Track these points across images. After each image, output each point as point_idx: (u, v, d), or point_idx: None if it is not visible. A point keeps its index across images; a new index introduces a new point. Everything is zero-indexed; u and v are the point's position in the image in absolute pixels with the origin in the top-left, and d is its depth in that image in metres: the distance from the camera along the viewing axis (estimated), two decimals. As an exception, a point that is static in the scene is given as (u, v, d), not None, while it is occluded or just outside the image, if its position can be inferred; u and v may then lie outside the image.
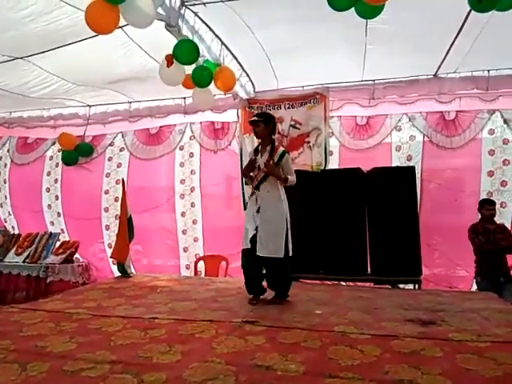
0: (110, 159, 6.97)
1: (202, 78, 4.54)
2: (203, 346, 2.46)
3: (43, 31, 4.20)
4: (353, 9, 3.33)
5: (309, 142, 5.80)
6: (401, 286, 5.02)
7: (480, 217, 4.89)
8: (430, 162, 5.60)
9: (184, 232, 6.54)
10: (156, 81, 4.50)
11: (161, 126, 6.67)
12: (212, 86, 4.74)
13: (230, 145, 6.35)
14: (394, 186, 5.16)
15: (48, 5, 3.83)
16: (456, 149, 5.46)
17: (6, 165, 7.54)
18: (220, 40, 4.81)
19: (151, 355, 2.29)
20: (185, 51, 4.10)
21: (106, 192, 6.92)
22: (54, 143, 7.18)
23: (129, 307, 3.46)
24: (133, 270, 5.57)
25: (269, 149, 3.80)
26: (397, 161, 5.69)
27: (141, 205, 6.37)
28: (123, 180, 5.57)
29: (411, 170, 5.27)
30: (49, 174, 7.28)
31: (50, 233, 6.66)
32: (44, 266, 5.90)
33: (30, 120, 7.09)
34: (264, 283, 3.89)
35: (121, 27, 3.97)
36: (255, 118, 3.87)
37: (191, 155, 6.54)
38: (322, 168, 5.68)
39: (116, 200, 6.66)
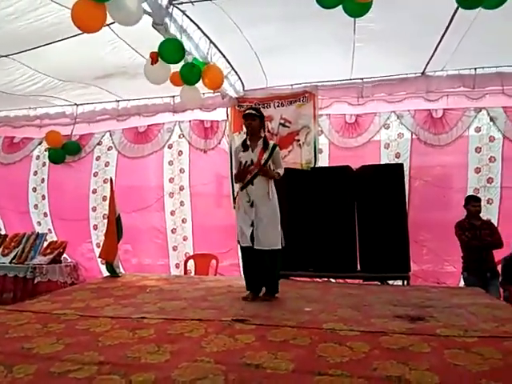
0: (97, 158, 6.91)
1: (191, 75, 4.50)
2: (192, 345, 2.45)
3: (28, 29, 4.14)
4: (341, 7, 3.33)
5: (298, 141, 5.81)
6: (390, 282, 5.06)
7: (466, 213, 4.94)
8: (418, 160, 5.65)
9: (173, 231, 6.51)
10: (144, 78, 4.46)
11: (149, 125, 6.63)
12: (200, 85, 4.72)
13: (219, 143, 6.34)
14: (383, 184, 5.21)
15: (33, 2, 3.78)
16: (443, 146, 5.52)
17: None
18: (208, 38, 4.78)
19: (140, 355, 2.27)
20: (170, 50, 4.07)
21: (94, 191, 6.87)
22: (40, 143, 7.10)
23: (117, 307, 3.43)
24: (122, 270, 5.53)
25: (261, 143, 3.83)
26: (385, 158, 5.73)
27: (129, 204, 6.33)
28: (111, 179, 5.52)
29: (400, 167, 5.32)
30: (35, 173, 7.20)
31: (37, 233, 6.58)
32: (31, 267, 5.83)
33: (17, 119, 7.00)
34: None
35: (108, 25, 3.92)
36: (253, 111, 3.88)
37: (180, 153, 6.52)
38: (312, 166, 5.70)
39: (104, 199, 6.62)
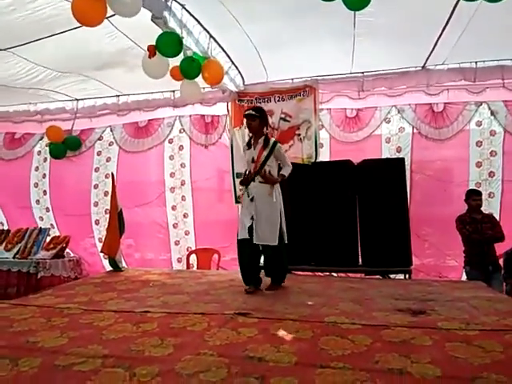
0: (98, 153, 6.92)
1: (191, 69, 4.48)
2: (195, 338, 2.47)
3: (26, 21, 4.12)
4: (340, 0, 3.32)
5: (299, 135, 5.80)
6: (391, 276, 5.07)
7: (467, 207, 4.94)
8: (420, 154, 5.65)
9: (175, 226, 6.53)
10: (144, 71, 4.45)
11: (149, 120, 6.63)
12: (201, 80, 4.71)
13: (220, 138, 6.34)
14: (384, 178, 5.20)
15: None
16: (444, 140, 5.51)
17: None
18: (208, 33, 4.76)
19: (143, 349, 2.29)
20: (168, 43, 4.05)
21: (96, 186, 6.88)
22: (41, 138, 7.11)
23: (121, 301, 3.45)
24: (124, 264, 5.57)
25: (261, 141, 3.94)
26: (387, 153, 5.73)
27: (131, 199, 6.34)
28: (112, 174, 5.53)
29: (401, 161, 5.32)
30: (37, 169, 7.21)
31: (40, 228, 6.61)
32: (34, 262, 5.86)
33: (17, 115, 6.98)
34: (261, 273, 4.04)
35: (107, 18, 3.89)
36: (253, 112, 3.95)
37: (181, 148, 6.52)
38: (313, 160, 5.70)
39: (106, 194, 6.64)
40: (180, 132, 6.55)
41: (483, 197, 5.08)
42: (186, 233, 6.50)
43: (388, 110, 5.73)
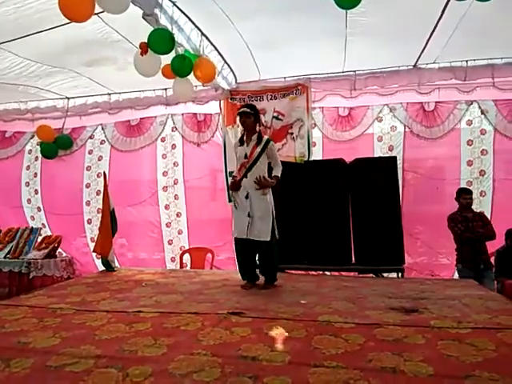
0: (90, 152, 6.88)
1: (182, 67, 4.46)
2: (189, 338, 2.46)
3: (14, 16, 4.07)
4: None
5: (292, 134, 5.81)
6: (384, 274, 5.09)
7: (458, 206, 4.98)
8: (411, 152, 5.68)
9: (168, 225, 6.51)
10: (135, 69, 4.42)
11: (141, 118, 6.60)
12: (193, 78, 4.69)
13: (213, 137, 6.32)
14: (377, 177, 5.23)
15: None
16: (436, 139, 5.55)
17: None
18: (200, 30, 4.75)
19: (136, 349, 2.29)
20: (159, 40, 4.03)
21: (88, 186, 6.84)
22: (32, 137, 7.05)
23: (113, 301, 3.43)
24: (117, 264, 5.54)
25: (255, 138, 3.98)
26: (379, 151, 5.75)
27: (124, 198, 6.32)
28: (104, 173, 5.50)
29: (393, 160, 5.34)
30: (28, 168, 7.16)
31: (32, 228, 6.56)
32: (26, 262, 5.82)
33: (7, 113, 6.92)
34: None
35: (97, 14, 3.86)
36: (247, 109, 3.98)
37: (173, 147, 6.51)
38: (306, 159, 5.71)
39: (98, 193, 6.61)
40: (172, 130, 6.53)
41: (474, 195, 5.13)
42: (179, 232, 6.48)
43: (380, 108, 5.76)
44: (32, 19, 4.17)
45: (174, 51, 4.31)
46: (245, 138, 4.04)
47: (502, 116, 5.34)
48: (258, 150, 3.93)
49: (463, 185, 5.33)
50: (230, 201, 5.79)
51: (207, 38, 4.91)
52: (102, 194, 5.41)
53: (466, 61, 5.19)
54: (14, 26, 4.31)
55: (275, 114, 5.84)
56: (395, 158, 5.39)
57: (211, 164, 6.43)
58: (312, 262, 5.27)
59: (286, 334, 2.51)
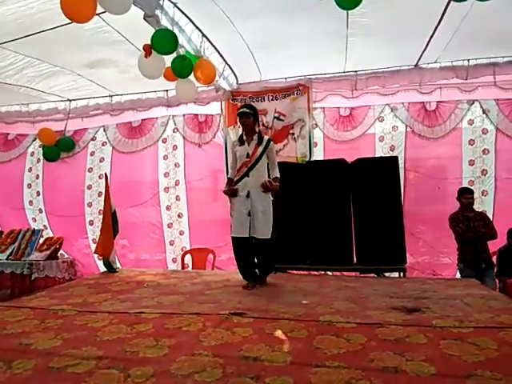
0: (92, 154, 6.89)
1: (183, 67, 4.47)
2: (190, 339, 2.46)
3: (16, 15, 4.07)
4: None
5: (293, 134, 5.81)
6: (386, 274, 5.09)
7: (459, 205, 4.97)
8: (413, 152, 5.67)
9: (169, 226, 6.52)
10: (137, 71, 4.42)
11: (143, 119, 6.61)
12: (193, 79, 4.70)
13: (214, 138, 6.32)
14: (378, 177, 5.22)
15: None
16: (437, 139, 5.54)
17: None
18: (200, 31, 4.75)
19: (138, 350, 2.29)
20: (162, 40, 4.03)
21: (89, 187, 6.85)
22: (35, 139, 7.05)
23: (115, 302, 3.43)
24: (119, 265, 5.55)
25: (256, 138, 4.03)
26: (380, 151, 5.75)
27: (125, 199, 6.32)
28: (106, 175, 5.50)
29: (394, 160, 5.34)
30: (30, 170, 7.17)
31: (33, 229, 6.57)
32: (28, 263, 5.84)
33: (10, 115, 6.94)
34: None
35: (98, 14, 3.87)
36: (247, 110, 4.02)
37: (175, 148, 6.51)
38: (307, 159, 5.70)
39: (99, 195, 6.61)
40: (174, 131, 6.53)
41: (476, 195, 5.12)
42: (181, 233, 6.48)
43: (381, 108, 5.75)
44: (33, 18, 4.16)
45: (175, 52, 4.32)
46: (245, 137, 4.07)
47: (503, 115, 5.33)
48: (260, 149, 3.98)
49: (465, 184, 5.33)
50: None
51: (208, 38, 4.92)
52: (103, 196, 5.41)
53: (468, 60, 5.18)
54: (15, 26, 4.30)
55: (276, 115, 5.84)
56: (397, 157, 5.38)
57: (212, 165, 6.43)
58: (314, 262, 5.26)
59: (288, 334, 2.51)
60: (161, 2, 4.02)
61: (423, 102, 5.58)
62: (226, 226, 5.75)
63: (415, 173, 5.67)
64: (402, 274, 4.94)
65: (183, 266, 6.20)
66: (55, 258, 6.23)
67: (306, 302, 3.35)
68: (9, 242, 6.34)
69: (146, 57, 4.12)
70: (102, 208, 5.38)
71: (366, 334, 2.46)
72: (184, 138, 6.44)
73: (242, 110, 4.05)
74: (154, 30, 4.02)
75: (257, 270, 4.14)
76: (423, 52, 5.02)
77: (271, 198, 4.02)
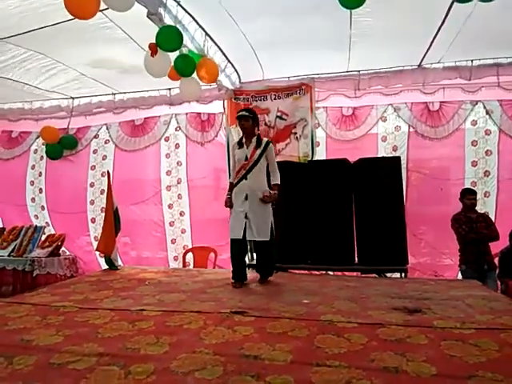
0: (95, 151, 6.91)
1: (185, 65, 4.48)
2: (191, 337, 2.46)
3: (19, 9, 4.06)
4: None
5: (295, 133, 5.80)
6: (387, 274, 5.08)
7: (462, 206, 4.96)
8: (416, 153, 5.66)
9: (171, 224, 6.52)
10: (141, 71, 4.42)
11: (145, 118, 6.62)
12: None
13: (216, 136, 6.33)
14: (380, 177, 5.21)
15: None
16: (440, 139, 5.53)
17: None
18: (204, 30, 4.75)
19: (139, 347, 2.29)
20: (167, 37, 4.03)
21: (92, 185, 6.87)
22: (38, 136, 7.05)
23: (116, 299, 3.44)
24: (120, 263, 5.55)
25: (254, 140, 4.08)
26: (383, 151, 5.74)
27: (127, 197, 6.33)
28: (108, 172, 5.51)
29: (397, 160, 5.32)
30: (33, 167, 7.19)
31: (36, 226, 6.58)
32: (30, 260, 5.84)
33: (13, 113, 6.94)
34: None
35: (101, 11, 3.86)
36: (246, 113, 4.08)
37: (177, 146, 6.52)
38: (309, 159, 5.69)
39: (102, 193, 6.61)
40: (176, 130, 6.54)
41: (479, 196, 5.10)
42: (183, 231, 6.49)
43: (384, 108, 5.74)
44: (37, 13, 4.14)
45: (178, 51, 4.32)
46: (244, 140, 4.13)
47: (506, 116, 5.32)
48: (258, 152, 4.03)
49: (467, 185, 5.31)
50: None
51: (211, 37, 4.91)
52: (105, 193, 5.42)
53: (471, 60, 5.16)
54: (19, 20, 4.29)
55: (279, 114, 5.83)
56: (399, 158, 5.37)
57: (214, 163, 6.43)
58: (315, 262, 5.26)
59: (289, 333, 2.51)
60: (164, 0, 4.03)
61: (426, 103, 5.57)
62: (227, 225, 5.76)
63: (418, 173, 5.66)
64: (403, 274, 4.93)
65: (184, 264, 6.21)
66: (57, 255, 6.25)
67: (307, 301, 3.34)
68: (11, 239, 6.36)
69: (152, 56, 4.13)
70: (105, 206, 5.39)
71: (367, 333, 2.46)
72: (186, 136, 6.45)
73: (240, 113, 4.12)
74: (157, 28, 4.03)
75: (248, 272, 4.19)
76: (426, 52, 5.01)
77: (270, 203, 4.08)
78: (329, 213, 5.25)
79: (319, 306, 3.17)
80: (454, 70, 5.22)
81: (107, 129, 6.83)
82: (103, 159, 6.84)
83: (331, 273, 5.31)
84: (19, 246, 6.22)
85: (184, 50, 4.49)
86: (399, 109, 5.68)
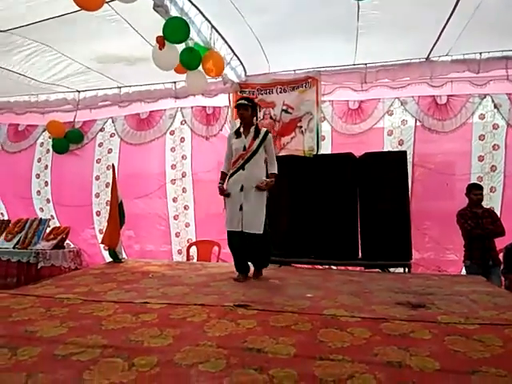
0: (100, 145, 6.92)
1: (191, 58, 4.47)
2: (195, 329, 2.46)
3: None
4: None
5: (301, 127, 5.77)
6: (391, 269, 5.07)
7: (468, 201, 4.92)
8: (422, 147, 5.62)
9: (175, 217, 6.53)
10: (146, 64, 4.41)
11: (151, 111, 6.61)
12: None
13: (221, 130, 6.31)
14: (386, 171, 5.18)
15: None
16: (447, 133, 5.48)
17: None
18: (210, 23, 4.72)
19: (142, 339, 2.29)
20: (174, 28, 4.01)
21: (97, 178, 6.89)
22: (44, 130, 7.07)
23: (120, 292, 3.45)
24: (124, 256, 5.57)
25: (252, 130, 3.99)
26: (389, 145, 5.71)
27: (132, 190, 6.34)
28: (113, 165, 5.52)
29: (403, 154, 5.29)
30: (39, 160, 7.22)
31: (40, 219, 6.62)
32: (35, 252, 5.88)
33: (19, 106, 6.96)
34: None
35: (107, 2, 3.85)
36: (244, 101, 3.99)
37: (182, 140, 6.51)
38: (315, 153, 5.67)
39: (107, 186, 6.63)
40: (181, 124, 6.53)
41: (485, 191, 5.06)
42: (187, 225, 6.50)
43: (391, 102, 5.70)
44: (41, 4, 4.11)
45: (184, 44, 4.31)
46: (242, 130, 4.03)
47: (515, 110, 5.26)
48: (257, 142, 3.93)
49: (473, 180, 5.27)
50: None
51: (217, 30, 4.89)
52: (110, 187, 5.43)
53: (480, 53, 5.10)
54: (25, 12, 4.27)
55: (284, 107, 5.81)
56: (405, 152, 5.33)
57: (219, 158, 6.33)
58: (319, 256, 5.25)
59: (292, 327, 2.51)
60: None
61: (434, 96, 5.52)
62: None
63: (423, 168, 5.62)
64: (406, 269, 4.92)
65: (188, 257, 6.23)
66: (61, 248, 6.29)
67: (310, 295, 3.34)
68: (16, 231, 6.40)
69: (159, 49, 4.12)
70: (109, 199, 5.40)
71: (371, 328, 2.45)
72: (192, 130, 6.44)
73: (239, 101, 4.03)
74: (163, 21, 4.01)
75: (250, 264, 4.15)
76: (434, 45, 4.95)
77: (266, 194, 3.98)
78: (333, 207, 5.24)
79: (322, 300, 3.16)
80: (462, 62, 5.17)
81: (113, 122, 6.84)
82: (109, 152, 6.85)
83: (334, 267, 5.31)
84: (24, 239, 6.26)
85: (190, 43, 4.47)
86: (406, 102, 5.63)
